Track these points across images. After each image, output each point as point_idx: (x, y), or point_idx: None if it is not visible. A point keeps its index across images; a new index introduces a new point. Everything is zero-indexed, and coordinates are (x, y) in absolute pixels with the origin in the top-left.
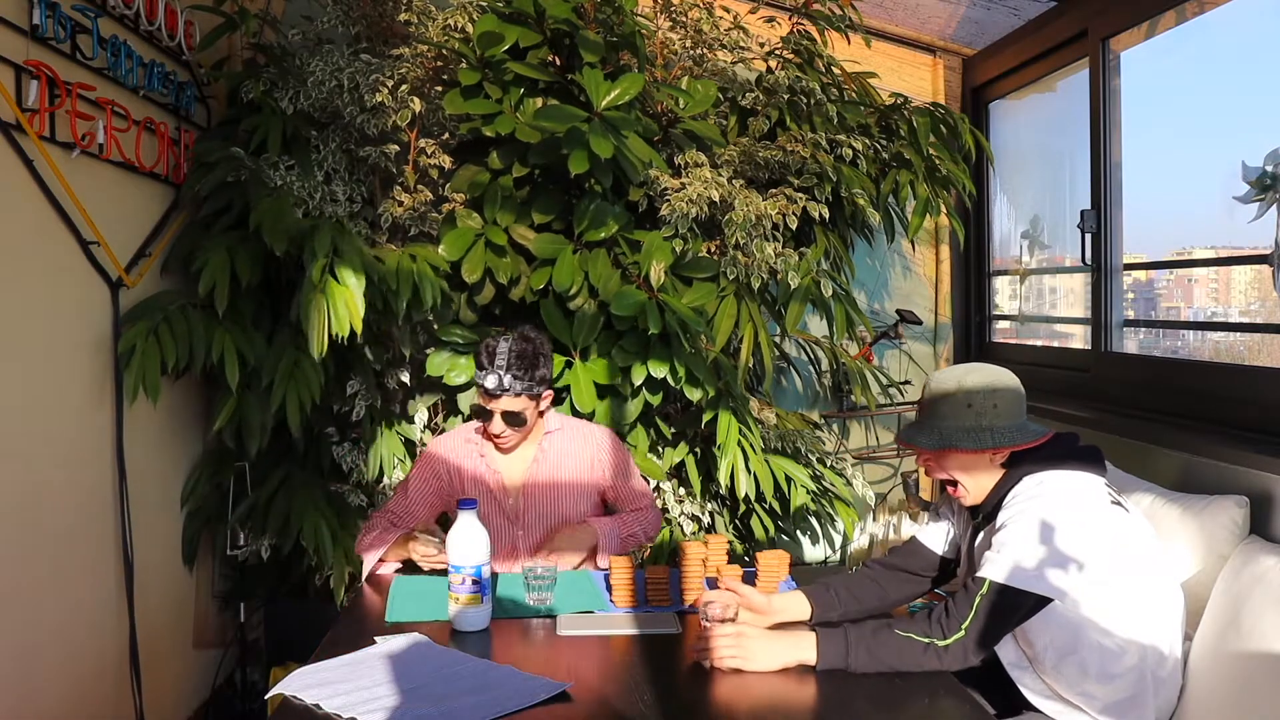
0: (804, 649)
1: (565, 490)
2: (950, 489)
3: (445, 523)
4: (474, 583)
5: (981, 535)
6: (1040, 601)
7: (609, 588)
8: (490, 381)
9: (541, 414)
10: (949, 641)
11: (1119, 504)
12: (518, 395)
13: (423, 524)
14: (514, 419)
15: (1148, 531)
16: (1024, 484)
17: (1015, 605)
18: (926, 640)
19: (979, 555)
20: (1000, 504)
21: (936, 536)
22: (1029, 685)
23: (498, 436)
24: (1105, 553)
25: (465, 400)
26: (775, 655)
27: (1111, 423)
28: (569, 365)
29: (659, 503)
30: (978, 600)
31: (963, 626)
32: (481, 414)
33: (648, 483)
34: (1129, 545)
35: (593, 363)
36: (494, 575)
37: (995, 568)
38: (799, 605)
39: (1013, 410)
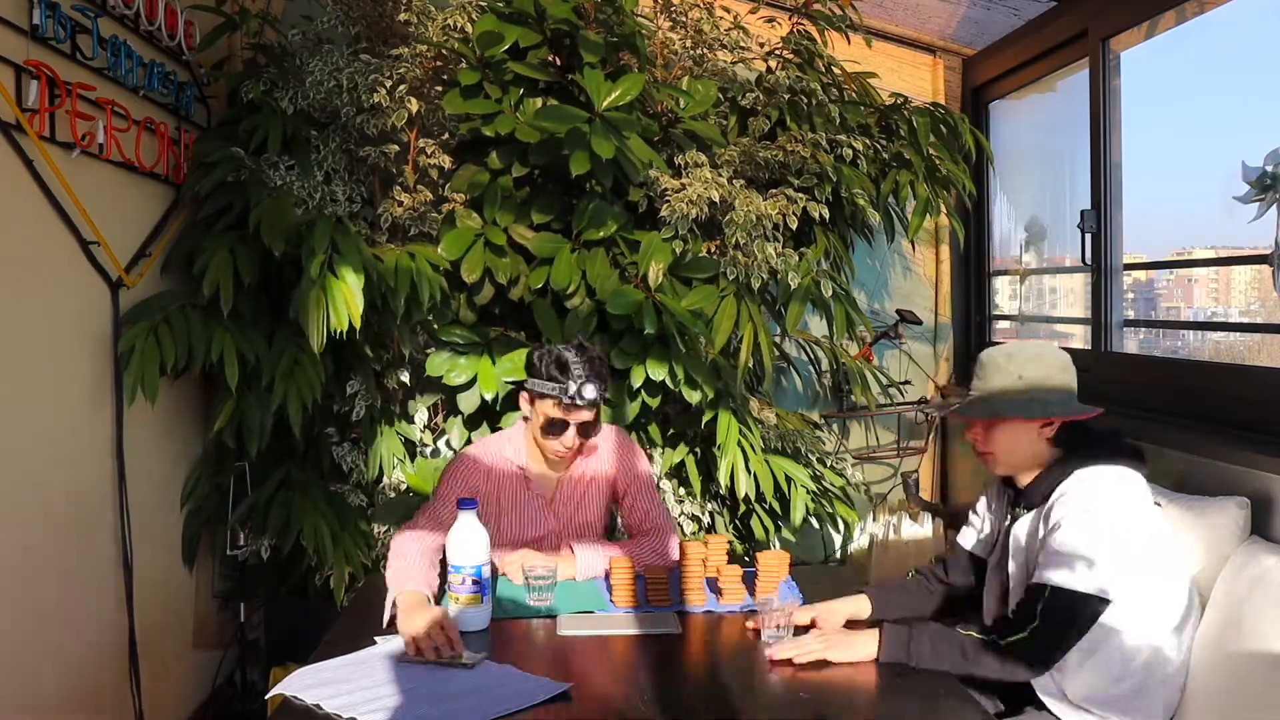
0: (870, 641)
1: (591, 496)
2: (985, 456)
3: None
4: (474, 582)
5: (1027, 524)
6: (1101, 604)
7: (609, 588)
8: (590, 391)
9: None
10: (1012, 639)
11: (1157, 503)
12: (600, 404)
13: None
14: (589, 429)
15: (1169, 531)
16: (1074, 480)
17: (1078, 610)
18: (988, 637)
19: (1026, 546)
20: (1048, 497)
21: (968, 538)
22: (1040, 684)
23: (569, 449)
24: (1146, 554)
25: (465, 401)
26: (853, 649)
27: (1111, 423)
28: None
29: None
30: (1039, 606)
31: (1028, 629)
32: (555, 427)
33: (662, 496)
34: (1159, 546)
35: None
36: (494, 575)
37: (1057, 572)
38: (859, 605)
39: (1064, 380)
